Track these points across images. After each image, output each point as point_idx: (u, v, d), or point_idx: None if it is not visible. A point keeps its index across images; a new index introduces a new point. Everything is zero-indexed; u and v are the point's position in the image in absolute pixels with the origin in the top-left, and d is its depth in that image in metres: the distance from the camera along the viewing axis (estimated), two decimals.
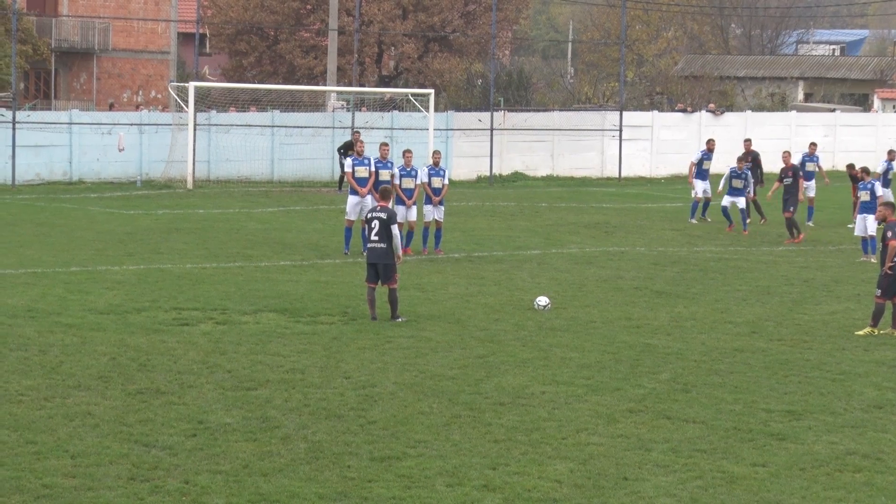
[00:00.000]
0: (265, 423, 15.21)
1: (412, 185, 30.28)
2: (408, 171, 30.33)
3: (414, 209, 30.23)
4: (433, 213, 30.40)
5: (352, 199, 30.15)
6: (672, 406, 16.53)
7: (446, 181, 30.93)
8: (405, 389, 17.07)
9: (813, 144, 41.21)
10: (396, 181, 30.15)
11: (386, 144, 31.32)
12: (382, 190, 23.51)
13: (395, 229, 22.19)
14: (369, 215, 22.50)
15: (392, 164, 30.70)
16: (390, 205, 23.07)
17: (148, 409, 15.70)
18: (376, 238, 22.02)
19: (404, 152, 30.94)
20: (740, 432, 15.36)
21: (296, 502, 12.53)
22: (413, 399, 16.57)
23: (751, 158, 38.34)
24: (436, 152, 31.82)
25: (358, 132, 40.81)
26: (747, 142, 40.32)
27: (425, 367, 18.42)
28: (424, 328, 21.34)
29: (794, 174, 35.51)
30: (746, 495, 13.07)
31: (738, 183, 36.59)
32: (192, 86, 47.91)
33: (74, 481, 12.92)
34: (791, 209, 34.63)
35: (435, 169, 30.76)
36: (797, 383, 18.03)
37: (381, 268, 22.00)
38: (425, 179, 30.48)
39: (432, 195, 30.39)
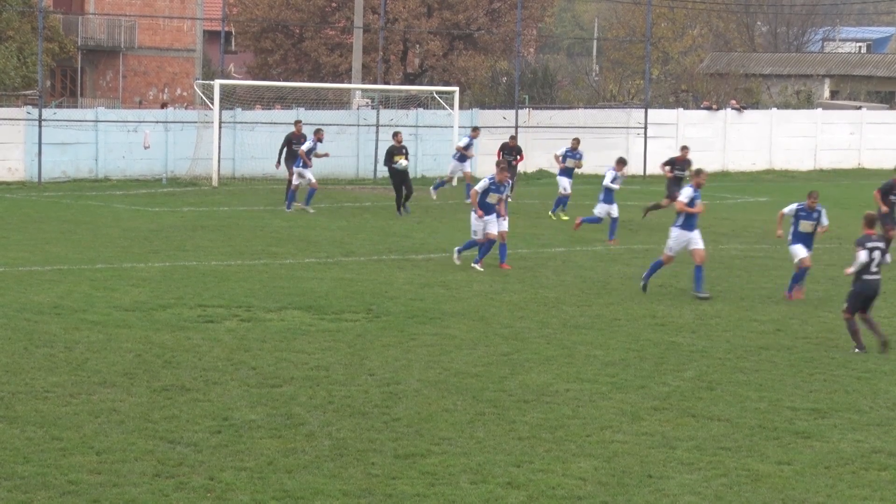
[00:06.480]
0: (290, 420, 15.24)
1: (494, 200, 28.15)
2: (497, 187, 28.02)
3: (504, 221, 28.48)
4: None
5: (488, 217, 27.84)
6: (697, 404, 16.50)
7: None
8: (429, 387, 17.07)
9: None
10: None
11: (504, 164, 28.53)
12: (870, 217, 21.48)
13: None
14: (870, 245, 20.87)
15: (509, 183, 28.71)
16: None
17: (173, 406, 15.74)
18: (876, 269, 20.94)
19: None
20: (765, 430, 15.32)
21: (320, 499, 12.55)
22: (437, 396, 16.57)
23: None
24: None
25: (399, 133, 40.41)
26: None
27: (449, 365, 18.42)
28: (448, 325, 21.35)
29: None
30: (771, 493, 13.04)
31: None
32: (217, 83, 48.00)
33: (100, 477, 12.96)
34: None
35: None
36: (822, 381, 17.98)
37: (873, 298, 20.93)
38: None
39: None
